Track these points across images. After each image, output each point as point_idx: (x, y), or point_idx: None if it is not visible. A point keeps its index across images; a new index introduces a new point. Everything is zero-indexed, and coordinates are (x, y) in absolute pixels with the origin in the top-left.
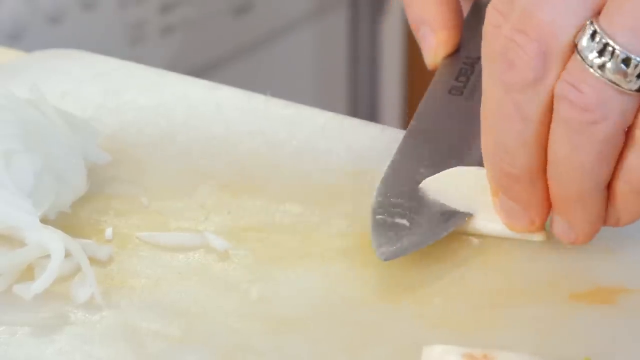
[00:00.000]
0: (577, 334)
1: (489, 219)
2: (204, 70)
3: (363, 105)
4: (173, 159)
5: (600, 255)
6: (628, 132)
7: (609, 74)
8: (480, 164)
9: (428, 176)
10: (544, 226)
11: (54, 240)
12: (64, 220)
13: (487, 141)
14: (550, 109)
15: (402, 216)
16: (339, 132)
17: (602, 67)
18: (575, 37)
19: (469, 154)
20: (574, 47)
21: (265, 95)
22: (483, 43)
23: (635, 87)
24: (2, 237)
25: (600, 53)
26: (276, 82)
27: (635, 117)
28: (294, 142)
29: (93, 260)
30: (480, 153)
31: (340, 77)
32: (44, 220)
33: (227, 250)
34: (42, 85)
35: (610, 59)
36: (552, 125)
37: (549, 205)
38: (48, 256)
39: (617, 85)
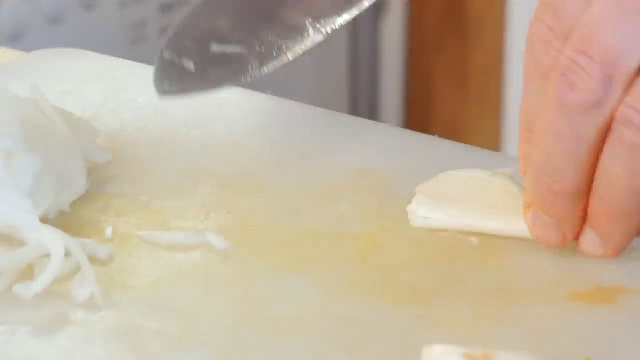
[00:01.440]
0: (576, 333)
1: (488, 219)
2: None
3: (363, 105)
4: (173, 158)
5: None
6: None
7: None
8: None
9: (227, 27)
10: (572, 241)
11: (54, 240)
12: (64, 220)
13: (536, 157)
14: (605, 131)
15: (189, 60)
16: (338, 132)
17: None
18: None
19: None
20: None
21: (266, 95)
22: (528, 56)
23: None
24: (1, 236)
25: None
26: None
27: None
28: (294, 141)
29: (93, 260)
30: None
31: (340, 77)
32: (44, 220)
33: (227, 249)
34: (42, 84)
35: None
36: (608, 146)
37: (583, 222)
38: (48, 255)
39: None
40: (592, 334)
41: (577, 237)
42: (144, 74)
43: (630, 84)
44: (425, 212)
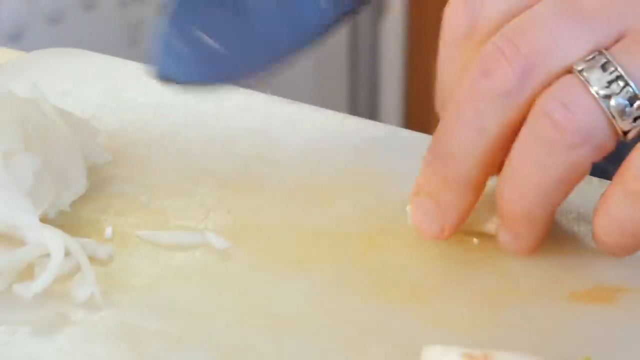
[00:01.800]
0: (576, 333)
1: (486, 220)
2: None
3: (363, 104)
4: (173, 157)
5: (599, 255)
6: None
7: (611, 105)
8: None
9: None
10: (451, 236)
11: (54, 240)
12: (64, 220)
13: (437, 140)
14: (513, 126)
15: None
16: (338, 131)
17: (607, 97)
18: (571, 66)
19: None
20: (567, 71)
21: (265, 94)
22: (445, 37)
23: (626, 128)
24: (1, 236)
25: (610, 83)
26: (276, 80)
27: (628, 161)
28: (294, 141)
29: (93, 260)
30: None
31: (340, 77)
32: (44, 220)
33: (227, 249)
34: (42, 84)
35: (619, 93)
36: (520, 140)
37: (465, 217)
38: (48, 255)
39: (612, 117)
40: (591, 333)
41: (455, 232)
42: (144, 74)
43: (549, 83)
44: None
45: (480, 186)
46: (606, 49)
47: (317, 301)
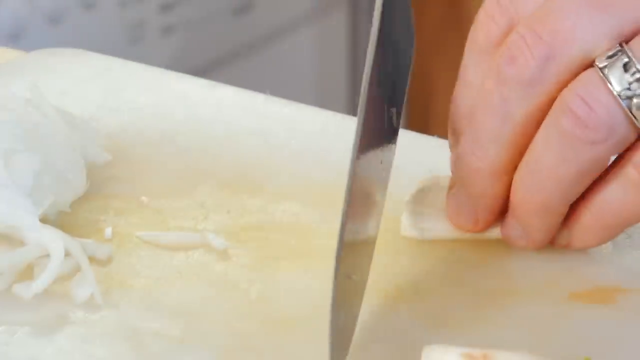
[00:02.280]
0: (576, 333)
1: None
2: (204, 70)
3: None
4: (173, 158)
5: (599, 255)
6: (617, 170)
7: (633, 106)
8: None
9: None
10: (485, 229)
11: (54, 240)
12: (64, 220)
13: (464, 128)
14: (537, 114)
15: None
16: (338, 132)
17: (629, 98)
18: (593, 58)
19: None
20: (589, 64)
21: (265, 95)
22: (472, 28)
23: None
24: (1, 236)
25: (631, 84)
26: (276, 81)
27: (628, 153)
28: (293, 142)
29: (93, 260)
30: None
31: (340, 77)
32: (44, 220)
33: (227, 249)
34: (42, 84)
35: None
36: (543, 132)
37: (498, 209)
38: (48, 256)
39: (633, 117)
40: (591, 333)
41: (489, 225)
42: (144, 74)
43: (575, 74)
44: (416, 225)
45: (509, 174)
46: (627, 40)
47: (317, 301)
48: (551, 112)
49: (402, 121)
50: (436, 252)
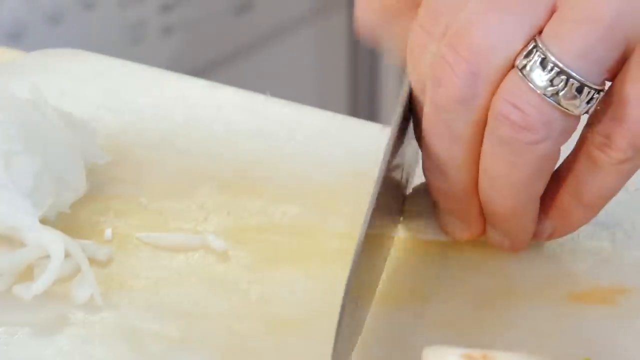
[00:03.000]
0: (576, 334)
1: None
2: (204, 70)
3: (363, 105)
4: (173, 159)
5: (599, 256)
6: (582, 152)
7: (561, 100)
8: None
9: None
10: (481, 234)
11: (54, 241)
12: (64, 221)
13: (424, 158)
14: (481, 127)
15: None
16: (338, 132)
17: (555, 94)
18: (514, 58)
19: None
20: (512, 66)
21: (265, 96)
22: (408, 62)
23: (584, 111)
24: (1, 237)
25: (552, 81)
26: (276, 81)
27: (591, 136)
28: (293, 142)
29: (93, 261)
30: None
31: (340, 77)
32: (44, 221)
33: (227, 251)
34: (42, 85)
35: (564, 88)
36: (487, 144)
37: (482, 218)
38: (48, 257)
39: (565, 109)
40: (591, 334)
41: (483, 230)
42: (144, 75)
43: (500, 80)
44: (414, 226)
45: (476, 187)
46: (540, 31)
47: (317, 302)
48: (488, 122)
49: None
50: (434, 253)
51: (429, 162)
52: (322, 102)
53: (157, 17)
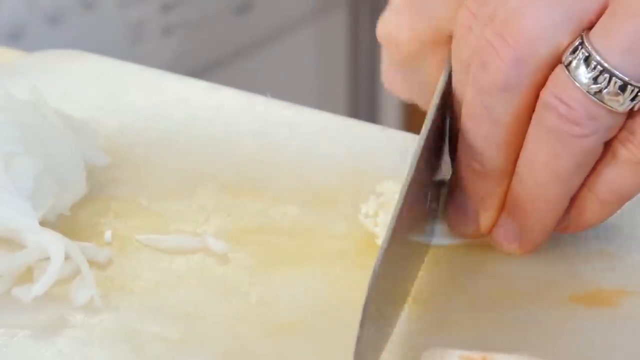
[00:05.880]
0: (576, 336)
1: None
2: (204, 70)
3: (363, 105)
4: (173, 160)
5: (600, 258)
6: (607, 145)
7: (604, 98)
8: None
9: None
10: (486, 234)
11: (54, 243)
12: (64, 223)
13: (460, 137)
14: (523, 114)
15: None
16: (338, 133)
17: (598, 92)
18: (561, 52)
19: None
20: (558, 59)
21: (265, 97)
22: (454, 44)
23: (627, 108)
24: (1, 239)
25: (595, 79)
26: (276, 81)
27: (619, 132)
28: (294, 144)
29: (92, 263)
30: None
31: (340, 77)
32: (44, 223)
33: (227, 253)
34: (42, 86)
35: (607, 86)
36: (532, 131)
37: (501, 207)
38: (47, 259)
39: (609, 107)
40: (592, 337)
41: (490, 229)
42: (144, 76)
43: (547, 69)
44: None
45: (510, 174)
46: (590, 27)
47: (317, 304)
48: (536, 111)
49: (402, 123)
50: (436, 255)
51: (466, 141)
52: (322, 102)
53: (157, 17)
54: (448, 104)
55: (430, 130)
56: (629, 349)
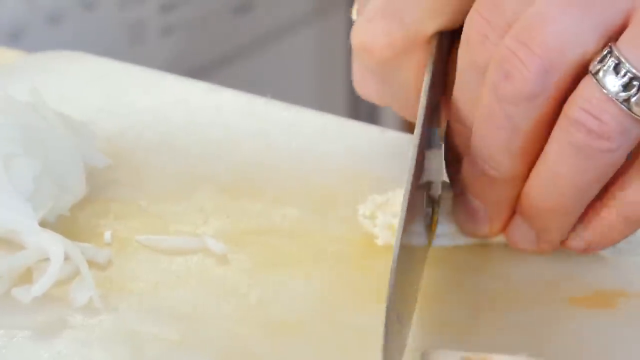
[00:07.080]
0: (576, 338)
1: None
2: (204, 70)
3: (363, 106)
4: (172, 162)
5: (600, 260)
6: (636, 162)
7: (632, 107)
8: None
9: None
10: (497, 234)
11: (53, 244)
12: (63, 224)
13: (474, 142)
14: (543, 122)
15: None
16: (338, 135)
17: (626, 100)
18: (587, 60)
19: None
20: (584, 68)
21: (265, 98)
22: (464, 49)
23: None
24: (1, 240)
25: (625, 87)
26: (276, 82)
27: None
28: (293, 145)
29: (92, 264)
30: None
31: (340, 78)
32: (43, 224)
33: (226, 254)
34: (41, 87)
35: (636, 93)
36: (554, 144)
37: (512, 213)
38: (47, 260)
39: (637, 116)
40: (592, 338)
41: (503, 229)
42: (144, 77)
43: (573, 78)
44: None
45: (524, 179)
46: (616, 36)
47: (316, 305)
48: (560, 125)
49: (402, 125)
50: (436, 256)
51: (481, 147)
52: (322, 103)
53: (157, 17)
54: (442, 106)
55: (422, 133)
56: (629, 350)
